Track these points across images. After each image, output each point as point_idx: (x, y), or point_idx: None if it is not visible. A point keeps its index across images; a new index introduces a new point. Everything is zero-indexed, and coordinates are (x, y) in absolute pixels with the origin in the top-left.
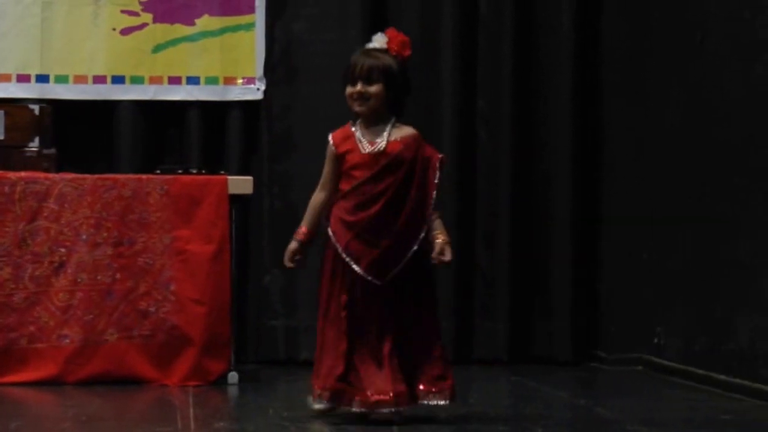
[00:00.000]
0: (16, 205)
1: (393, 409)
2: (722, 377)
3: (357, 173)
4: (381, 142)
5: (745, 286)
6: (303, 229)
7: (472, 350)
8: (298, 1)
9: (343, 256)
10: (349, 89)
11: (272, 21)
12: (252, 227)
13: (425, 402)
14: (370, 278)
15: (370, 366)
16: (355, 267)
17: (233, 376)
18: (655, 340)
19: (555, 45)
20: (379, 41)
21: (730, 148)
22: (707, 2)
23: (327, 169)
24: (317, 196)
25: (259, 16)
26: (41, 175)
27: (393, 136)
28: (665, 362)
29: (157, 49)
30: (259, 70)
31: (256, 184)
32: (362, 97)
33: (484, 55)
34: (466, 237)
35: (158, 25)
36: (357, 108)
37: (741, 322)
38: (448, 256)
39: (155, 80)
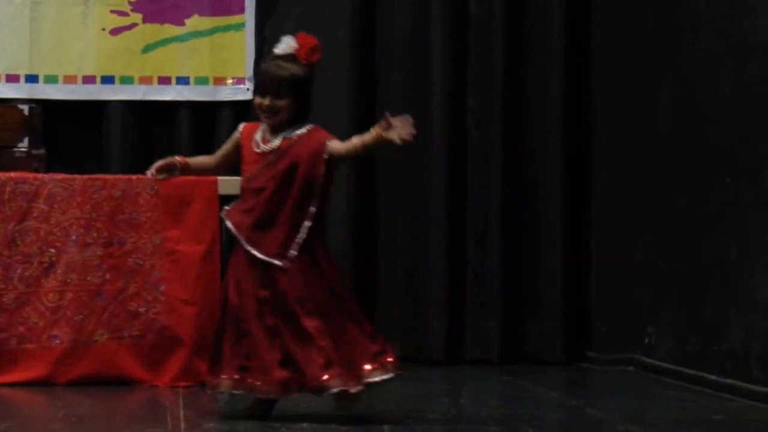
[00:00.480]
0: (6, 206)
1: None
2: (714, 377)
3: (247, 168)
4: (275, 141)
5: (737, 287)
6: (187, 159)
7: (463, 350)
8: (288, 1)
9: (245, 245)
10: (258, 99)
11: (262, 21)
12: None
13: (369, 380)
14: (270, 260)
15: (298, 355)
16: (257, 254)
17: None
18: (647, 341)
19: (546, 44)
20: (288, 45)
21: (722, 148)
22: (699, 2)
23: (226, 145)
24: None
25: (249, 16)
26: (30, 175)
27: (287, 135)
28: (657, 362)
29: (147, 49)
30: (249, 70)
31: None
32: (271, 110)
33: (474, 55)
34: (457, 236)
35: (148, 25)
36: (265, 120)
37: (733, 323)
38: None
39: (145, 80)
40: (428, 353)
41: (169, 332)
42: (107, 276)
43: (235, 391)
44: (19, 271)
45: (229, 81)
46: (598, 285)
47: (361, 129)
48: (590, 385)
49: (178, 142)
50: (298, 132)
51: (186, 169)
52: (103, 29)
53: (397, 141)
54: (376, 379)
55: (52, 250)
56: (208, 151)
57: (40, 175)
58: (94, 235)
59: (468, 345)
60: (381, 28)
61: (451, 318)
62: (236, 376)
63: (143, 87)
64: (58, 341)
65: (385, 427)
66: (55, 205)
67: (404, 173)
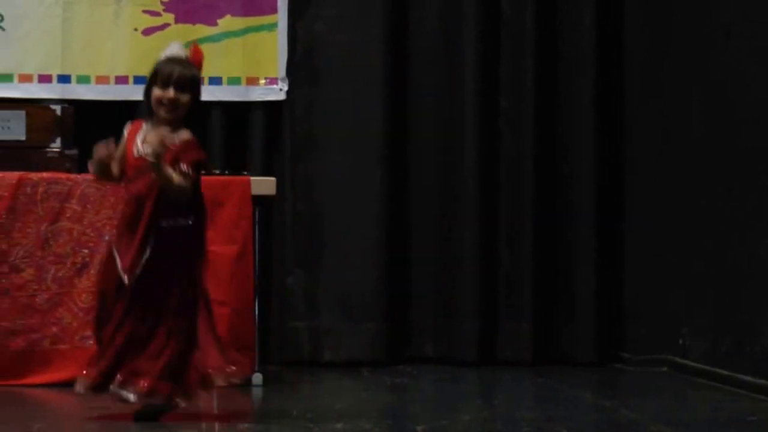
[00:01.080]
0: (39, 206)
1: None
2: (748, 378)
3: (127, 171)
4: (150, 148)
5: None
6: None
7: (496, 351)
8: (320, 1)
9: (114, 250)
10: (159, 92)
11: (294, 21)
12: (275, 228)
13: (118, 390)
14: (123, 275)
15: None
16: (118, 262)
17: (257, 378)
18: (681, 341)
19: (577, 44)
20: (178, 50)
21: (756, 148)
22: (729, 2)
23: (117, 146)
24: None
25: (282, 17)
26: (63, 175)
27: (168, 140)
28: (690, 363)
29: None
30: (281, 70)
31: (279, 185)
32: (173, 103)
33: (506, 54)
34: (489, 237)
35: (180, 26)
36: (164, 114)
37: (767, 323)
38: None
39: None
40: (461, 354)
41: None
42: None
43: None
44: (52, 271)
45: (262, 81)
46: (631, 286)
47: (393, 129)
48: (623, 387)
49: (211, 142)
50: (177, 139)
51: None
52: (135, 29)
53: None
54: (122, 393)
55: (85, 251)
56: (241, 151)
57: (72, 176)
58: None
59: (500, 346)
60: (413, 28)
61: (483, 319)
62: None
63: None
64: (90, 342)
65: (419, 428)
66: (88, 206)
67: (436, 174)
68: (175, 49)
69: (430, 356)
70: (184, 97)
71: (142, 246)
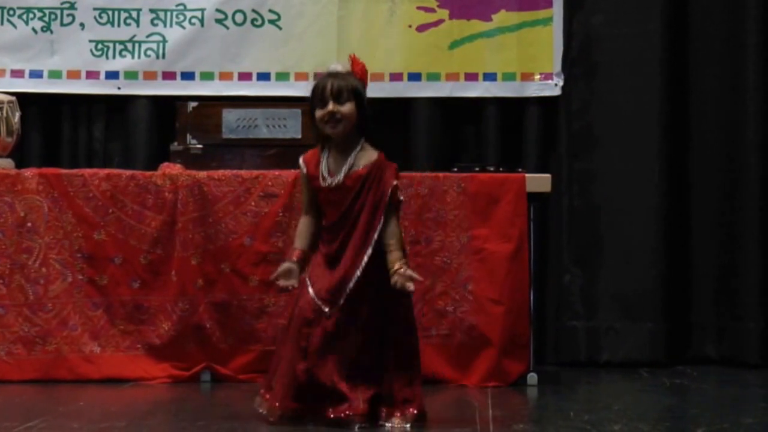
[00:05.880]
0: None
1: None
2: None
3: (326, 209)
4: (339, 176)
5: None
6: (296, 250)
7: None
8: None
9: (306, 278)
10: (319, 112)
11: (570, 15)
12: (551, 226)
13: (387, 425)
14: (319, 303)
15: (329, 385)
16: (310, 291)
17: (532, 378)
18: None
19: None
20: (336, 66)
21: None
22: None
23: (304, 191)
24: (301, 220)
25: (557, 11)
26: None
27: (356, 163)
28: None
29: (454, 45)
30: (556, 65)
31: (555, 182)
32: (334, 117)
33: None
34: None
35: (455, 22)
36: (329, 130)
37: None
38: (410, 287)
39: (451, 77)
40: (744, 356)
41: (477, 332)
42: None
43: None
44: None
45: (537, 77)
46: None
47: (672, 123)
48: None
49: (485, 138)
50: (364, 163)
51: (304, 260)
52: (410, 26)
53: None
54: (392, 425)
55: None
56: (515, 147)
57: None
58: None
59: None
60: (692, 21)
61: (767, 319)
62: None
63: (450, 84)
64: None
65: (699, 431)
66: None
67: (715, 169)
68: (333, 67)
69: (711, 357)
70: (345, 108)
71: (355, 261)
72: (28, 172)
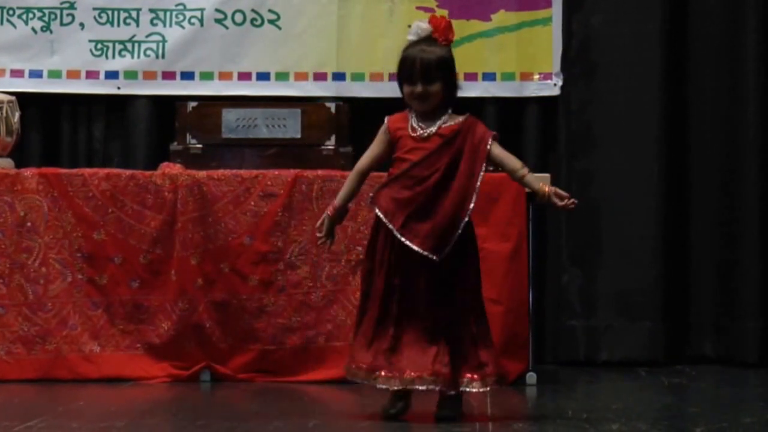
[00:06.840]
0: (314, 204)
1: (431, 387)
2: None
3: (409, 156)
4: (432, 128)
5: None
6: (335, 203)
7: None
8: None
9: (398, 235)
10: (408, 89)
11: (569, 15)
12: (550, 225)
13: (466, 389)
14: (426, 253)
15: (414, 347)
16: (412, 245)
17: (531, 377)
18: None
19: None
20: (423, 30)
21: None
22: None
23: (376, 144)
24: (359, 163)
25: (556, 10)
26: (338, 173)
27: (447, 123)
28: None
29: (453, 45)
30: (556, 65)
31: (554, 182)
32: (422, 96)
33: None
34: None
35: (454, 21)
36: (417, 107)
37: None
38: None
39: None
40: (742, 355)
41: None
42: None
43: None
44: (326, 269)
45: (536, 76)
46: None
47: (671, 124)
48: None
49: None
50: (455, 121)
51: (343, 212)
52: (410, 26)
53: (559, 204)
54: (471, 389)
55: (359, 248)
56: (516, 147)
57: (347, 173)
58: None
59: None
60: (691, 22)
61: (766, 319)
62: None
63: None
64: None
65: (697, 430)
66: (362, 203)
67: (715, 169)
68: (416, 29)
69: (710, 356)
70: (434, 88)
71: (458, 211)
72: (28, 172)
